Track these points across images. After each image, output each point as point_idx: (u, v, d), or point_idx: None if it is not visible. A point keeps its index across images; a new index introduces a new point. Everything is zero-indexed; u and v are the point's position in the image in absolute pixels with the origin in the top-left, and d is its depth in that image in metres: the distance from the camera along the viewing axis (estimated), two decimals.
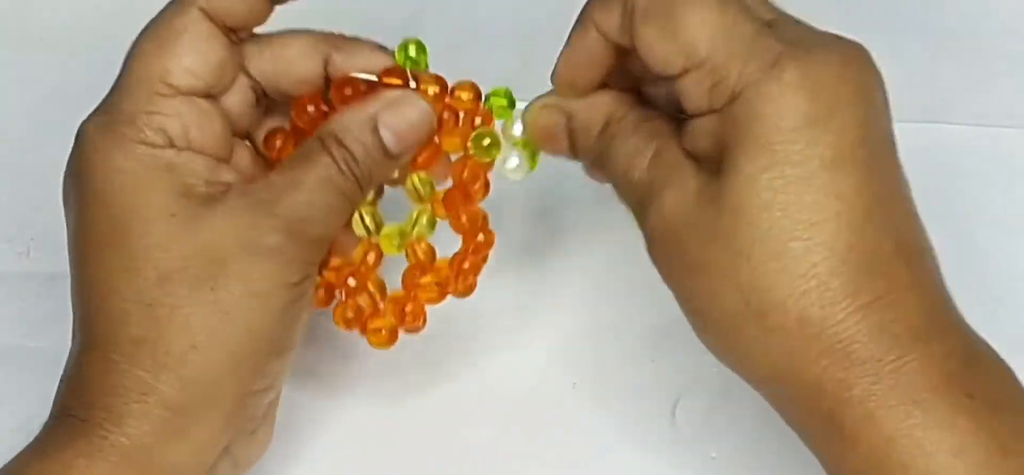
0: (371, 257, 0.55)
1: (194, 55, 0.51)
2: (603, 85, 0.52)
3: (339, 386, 0.59)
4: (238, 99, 0.53)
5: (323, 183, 0.50)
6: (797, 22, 0.48)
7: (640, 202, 0.49)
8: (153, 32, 0.51)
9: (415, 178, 0.54)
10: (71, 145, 0.62)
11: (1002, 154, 0.63)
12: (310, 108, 0.53)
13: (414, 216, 0.55)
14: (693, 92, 0.47)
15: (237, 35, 0.52)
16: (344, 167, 0.50)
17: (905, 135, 0.62)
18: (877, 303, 0.45)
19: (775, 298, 0.45)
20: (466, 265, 0.55)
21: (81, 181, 0.50)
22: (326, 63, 0.53)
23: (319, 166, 0.50)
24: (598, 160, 0.52)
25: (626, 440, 0.58)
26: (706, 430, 0.58)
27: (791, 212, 0.45)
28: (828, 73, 0.46)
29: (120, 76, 0.51)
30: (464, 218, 0.54)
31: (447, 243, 0.55)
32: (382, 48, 0.53)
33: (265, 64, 0.53)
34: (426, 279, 0.54)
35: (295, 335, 0.51)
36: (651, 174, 0.49)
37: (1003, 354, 0.46)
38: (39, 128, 0.64)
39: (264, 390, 0.51)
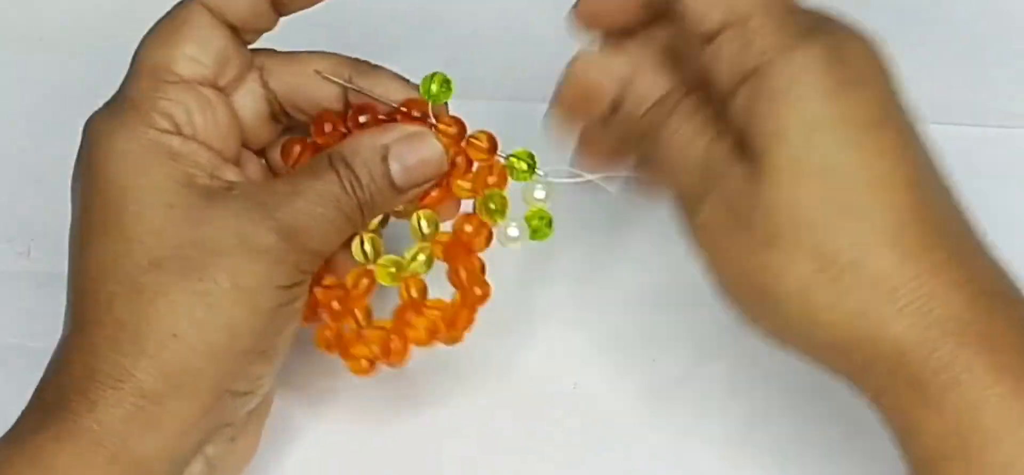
0: (364, 283, 0.55)
1: (196, 43, 0.52)
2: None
3: (329, 388, 0.59)
4: (251, 106, 0.54)
5: (324, 197, 0.50)
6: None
7: (694, 187, 0.49)
8: (158, 26, 0.52)
9: (420, 215, 0.54)
10: (71, 145, 0.62)
11: (1002, 154, 0.63)
12: (327, 126, 0.54)
13: (413, 252, 0.55)
14: (726, 55, 0.47)
15: (242, 35, 0.52)
16: (347, 187, 0.51)
17: None
18: (951, 261, 0.45)
19: (848, 257, 0.45)
20: (459, 319, 0.55)
21: (84, 167, 0.51)
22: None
23: (323, 181, 0.51)
24: (639, 135, 0.51)
25: (626, 440, 0.58)
26: (707, 429, 0.58)
27: (847, 172, 0.45)
28: (855, 45, 0.47)
29: (128, 69, 0.52)
30: (463, 273, 0.54)
31: (442, 281, 0.55)
32: (404, 80, 0.54)
33: (286, 79, 0.54)
34: (418, 321, 0.54)
35: (280, 342, 0.51)
36: (709, 157, 0.49)
37: None
38: (39, 128, 0.64)
39: (244, 393, 0.51)
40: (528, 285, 0.61)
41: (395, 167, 0.52)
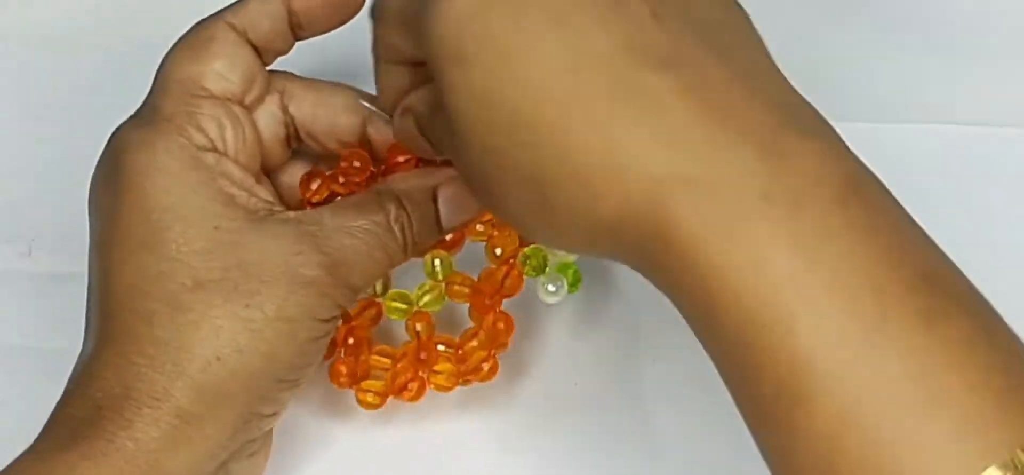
0: (370, 313, 0.55)
1: (225, 60, 0.52)
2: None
3: (334, 394, 0.59)
4: (270, 128, 0.54)
5: (373, 237, 0.51)
6: None
7: (442, 147, 0.50)
8: (184, 42, 0.52)
9: (435, 256, 0.55)
10: (71, 145, 0.63)
11: (1003, 153, 0.63)
12: (356, 163, 0.54)
13: (424, 288, 0.55)
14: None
15: (262, 55, 0.53)
16: (396, 227, 0.51)
17: (906, 135, 0.63)
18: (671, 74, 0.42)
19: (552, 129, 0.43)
20: (484, 368, 0.55)
21: (118, 178, 0.50)
22: (366, 123, 0.54)
23: (373, 219, 0.51)
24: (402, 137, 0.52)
25: (627, 440, 0.58)
26: (707, 429, 0.58)
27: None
28: None
29: (154, 84, 0.52)
30: (501, 324, 0.55)
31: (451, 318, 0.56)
32: None
33: (307, 106, 0.54)
34: (442, 366, 0.55)
35: (309, 372, 0.51)
36: (434, 122, 0.50)
37: None
38: (40, 128, 0.64)
39: (269, 416, 0.51)
40: (528, 283, 0.61)
41: (443, 208, 0.52)
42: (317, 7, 0.53)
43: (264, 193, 0.52)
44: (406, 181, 0.53)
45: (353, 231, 0.50)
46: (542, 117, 0.42)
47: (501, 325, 0.55)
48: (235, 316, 0.48)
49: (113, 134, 0.51)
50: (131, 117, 0.52)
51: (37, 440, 0.48)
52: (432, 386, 0.55)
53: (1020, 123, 0.64)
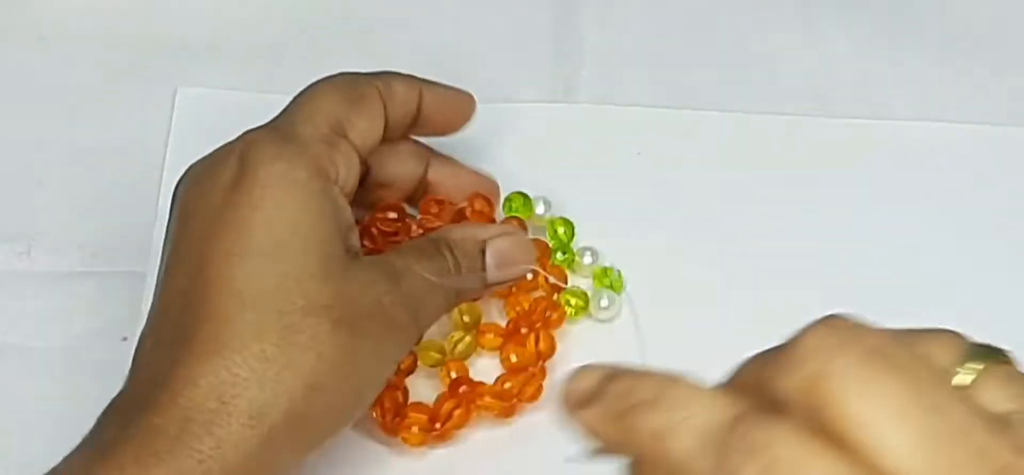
0: (406, 363, 0.55)
1: (370, 121, 0.53)
2: None
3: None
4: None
5: (438, 277, 0.51)
6: None
7: None
8: (338, 87, 0.53)
9: (463, 309, 0.55)
10: (71, 145, 0.63)
11: (1003, 153, 0.63)
12: (392, 214, 0.56)
13: (455, 338, 0.56)
14: None
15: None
16: (453, 273, 0.52)
17: (905, 134, 0.63)
18: None
19: None
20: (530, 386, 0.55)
21: (247, 180, 0.49)
22: (427, 168, 0.56)
23: (437, 267, 0.51)
24: None
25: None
26: None
27: None
28: None
29: (298, 108, 0.52)
30: (543, 346, 0.56)
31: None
32: (474, 172, 0.58)
33: (383, 155, 0.55)
34: (487, 400, 0.55)
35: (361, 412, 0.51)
36: None
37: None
38: (39, 128, 0.64)
39: (329, 438, 0.50)
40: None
41: (491, 262, 0.53)
42: (443, 107, 0.56)
43: (356, 239, 0.52)
44: (459, 231, 0.54)
45: (421, 273, 0.51)
46: None
47: (543, 346, 0.56)
48: (339, 346, 0.48)
49: (245, 136, 0.50)
50: (265, 128, 0.51)
51: (110, 443, 0.45)
52: (479, 411, 0.55)
53: (1021, 122, 0.64)
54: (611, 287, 0.58)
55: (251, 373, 0.46)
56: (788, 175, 0.62)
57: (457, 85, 0.57)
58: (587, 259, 0.58)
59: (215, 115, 0.63)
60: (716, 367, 0.58)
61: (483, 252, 0.53)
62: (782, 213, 0.61)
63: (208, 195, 0.49)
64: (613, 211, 0.61)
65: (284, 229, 0.48)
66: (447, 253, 0.52)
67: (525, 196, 0.58)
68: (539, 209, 0.58)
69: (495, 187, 0.58)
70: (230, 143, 0.50)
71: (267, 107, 0.64)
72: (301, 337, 0.47)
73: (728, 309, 0.59)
